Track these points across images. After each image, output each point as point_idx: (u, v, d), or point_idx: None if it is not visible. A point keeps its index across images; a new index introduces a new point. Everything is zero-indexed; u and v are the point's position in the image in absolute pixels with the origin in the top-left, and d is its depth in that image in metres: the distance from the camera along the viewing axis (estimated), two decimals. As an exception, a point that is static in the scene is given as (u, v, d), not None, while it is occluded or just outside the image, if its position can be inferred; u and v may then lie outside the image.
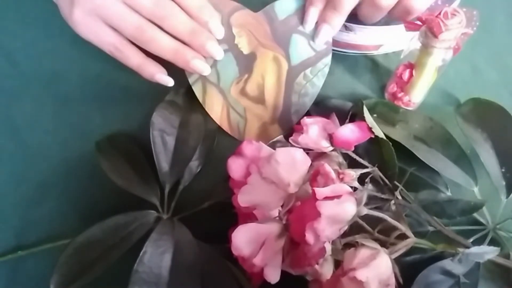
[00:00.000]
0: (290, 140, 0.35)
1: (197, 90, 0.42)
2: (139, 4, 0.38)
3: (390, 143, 0.35)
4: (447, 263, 0.34)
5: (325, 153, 0.35)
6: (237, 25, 0.42)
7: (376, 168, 0.34)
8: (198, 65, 0.40)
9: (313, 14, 0.40)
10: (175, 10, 0.39)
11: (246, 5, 0.42)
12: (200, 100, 0.42)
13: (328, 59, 0.42)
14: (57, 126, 0.44)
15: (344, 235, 0.29)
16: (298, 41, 0.42)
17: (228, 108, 0.42)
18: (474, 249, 0.33)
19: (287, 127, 0.43)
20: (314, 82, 0.42)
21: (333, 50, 0.42)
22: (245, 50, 0.42)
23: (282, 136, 0.43)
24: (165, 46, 0.39)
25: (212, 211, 0.39)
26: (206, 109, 0.42)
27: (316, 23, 0.41)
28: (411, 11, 0.37)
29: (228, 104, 0.42)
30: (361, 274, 0.26)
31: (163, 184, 0.38)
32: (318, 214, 0.26)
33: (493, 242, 0.37)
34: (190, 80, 0.42)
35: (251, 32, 0.42)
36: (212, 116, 0.42)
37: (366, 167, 0.33)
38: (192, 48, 0.40)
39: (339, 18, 0.39)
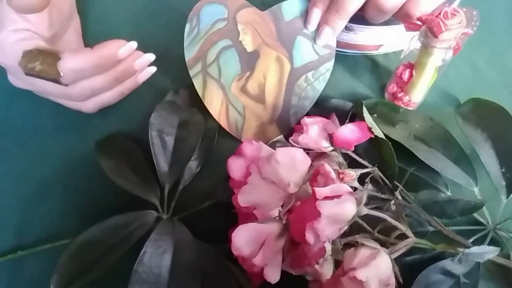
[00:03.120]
0: (290, 140, 0.35)
1: (197, 83, 0.42)
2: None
3: (390, 143, 0.35)
4: (447, 263, 0.34)
5: (325, 153, 0.35)
6: (243, 22, 0.42)
7: (376, 168, 0.34)
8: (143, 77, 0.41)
9: (315, 15, 0.41)
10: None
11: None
12: (200, 94, 0.42)
13: (330, 64, 0.42)
14: (57, 126, 0.44)
15: (344, 235, 0.29)
16: (302, 43, 0.42)
17: (227, 104, 0.42)
18: (474, 249, 0.33)
19: (285, 129, 0.43)
20: (315, 86, 0.42)
21: (333, 50, 0.43)
22: (249, 47, 0.42)
23: (282, 136, 0.43)
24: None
25: (212, 211, 0.39)
26: (205, 104, 0.42)
27: (318, 24, 0.41)
28: (413, 17, 0.38)
29: (228, 101, 0.42)
30: (361, 274, 0.26)
31: (162, 184, 0.38)
32: (318, 214, 0.26)
33: (493, 242, 0.37)
34: (191, 73, 0.42)
35: (256, 30, 0.42)
36: (210, 111, 0.42)
37: (366, 167, 0.33)
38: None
39: (341, 21, 0.40)
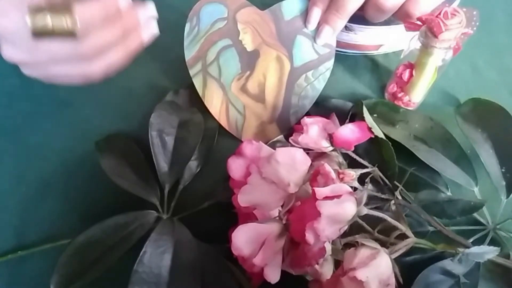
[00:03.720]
0: (290, 140, 0.35)
1: (197, 82, 0.42)
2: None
3: (390, 143, 0.35)
4: (447, 263, 0.34)
5: (325, 153, 0.35)
6: (243, 22, 0.42)
7: (376, 168, 0.34)
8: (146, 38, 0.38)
9: (315, 14, 0.41)
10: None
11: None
12: (200, 93, 0.42)
13: (330, 63, 0.42)
14: (57, 126, 0.44)
15: (344, 235, 0.29)
16: (302, 42, 0.42)
17: (227, 103, 0.43)
18: (474, 249, 0.33)
19: (285, 128, 0.43)
20: (315, 85, 0.43)
21: (333, 50, 0.43)
22: (249, 47, 0.42)
23: (282, 136, 0.43)
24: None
25: (212, 211, 0.39)
26: (205, 103, 0.42)
27: (318, 23, 0.41)
28: (412, 17, 0.38)
29: (228, 100, 0.42)
30: (361, 274, 0.26)
31: (162, 184, 0.38)
32: (318, 214, 0.26)
33: (493, 242, 0.37)
34: (191, 73, 0.42)
35: (256, 29, 0.42)
36: (210, 110, 0.42)
37: (366, 167, 0.33)
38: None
39: (340, 21, 0.40)
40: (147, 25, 0.38)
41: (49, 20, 0.33)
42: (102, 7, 0.34)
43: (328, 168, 0.29)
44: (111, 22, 0.35)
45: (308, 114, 0.43)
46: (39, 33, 0.33)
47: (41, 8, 0.33)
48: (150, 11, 0.38)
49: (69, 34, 0.33)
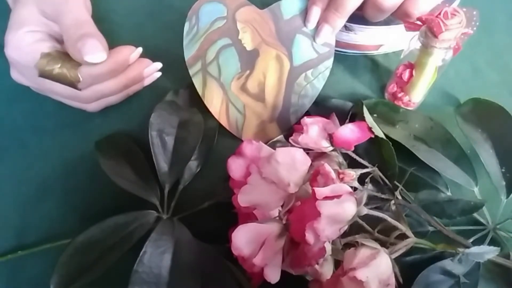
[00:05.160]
0: (290, 140, 0.35)
1: (197, 82, 0.42)
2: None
3: (390, 143, 0.35)
4: (447, 263, 0.34)
5: (325, 153, 0.35)
6: (242, 21, 0.42)
7: (376, 168, 0.34)
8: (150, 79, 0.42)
9: (315, 13, 0.41)
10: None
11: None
12: (200, 93, 0.42)
13: (329, 62, 0.42)
14: (57, 126, 0.44)
15: (344, 235, 0.29)
16: (302, 41, 0.42)
17: (227, 103, 0.43)
18: (474, 249, 0.33)
19: (285, 127, 0.43)
20: (314, 84, 0.43)
21: (333, 50, 0.43)
22: (249, 46, 0.42)
23: (282, 136, 0.43)
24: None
25: (212, 211, 0.39)
26: (205, 103, 0.42)
27: (318, 22, 0.41)
28: (411, 16, 0.38)
29: (228, 99, 0.42)
30: (361, 274, 0.26)
31: (162, 184, 0.38)
32: (318, 214, 0.26)
33: (493, 242, 0.37)
34: (191, 72, 0.42)
35: (255, 28, 0.42)
36: (210, 110, 0.42)
37: (366, 167, 0.33)
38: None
39: (340, 20, 0.40)
40: (150, 75, 0.42)
41: (55, 71, 0.35)
42: (111, 62, 0.37)
43: (328, 168, 0.29)
44: (116, 74, 0.39)
45: (308, 114, 0.43)
46: (45, 77, 0.36)
47: (52, 57, 0.36)
48: (155, 65, 0.41)
49: (71, 85, 0.36)
